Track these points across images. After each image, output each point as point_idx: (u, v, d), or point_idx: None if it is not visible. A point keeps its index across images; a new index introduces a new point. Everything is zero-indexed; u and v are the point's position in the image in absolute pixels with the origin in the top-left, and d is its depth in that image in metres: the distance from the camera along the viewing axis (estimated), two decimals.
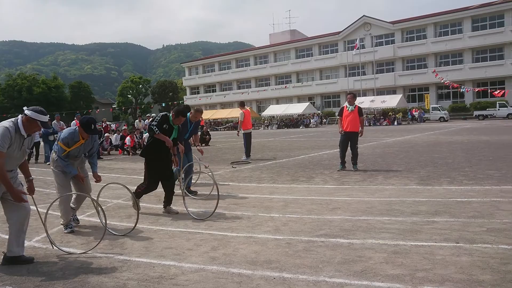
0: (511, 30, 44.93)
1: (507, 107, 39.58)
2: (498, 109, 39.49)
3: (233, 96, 65.01)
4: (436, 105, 44.62)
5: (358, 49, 49.23)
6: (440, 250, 3.88)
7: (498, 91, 28.72)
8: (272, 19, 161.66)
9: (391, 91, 51.46)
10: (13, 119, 4.02)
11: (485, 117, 40.18)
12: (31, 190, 4.24)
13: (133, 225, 4.99)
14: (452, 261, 3.60)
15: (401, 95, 47.23)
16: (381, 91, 51.00)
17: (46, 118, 4.03)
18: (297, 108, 51.43)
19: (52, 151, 5.28)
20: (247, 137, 13.10)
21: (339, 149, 9.86)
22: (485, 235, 4.29)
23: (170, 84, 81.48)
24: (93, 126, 4.94)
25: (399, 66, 52.75)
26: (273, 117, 52.94)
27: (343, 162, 9.65)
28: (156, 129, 5.83)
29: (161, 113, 6.11)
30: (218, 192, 5.61)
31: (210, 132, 25.02)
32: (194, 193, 7.23)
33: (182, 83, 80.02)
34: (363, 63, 52.52)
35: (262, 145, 19.16)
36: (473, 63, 47.45)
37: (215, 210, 5.62)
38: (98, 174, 5.26)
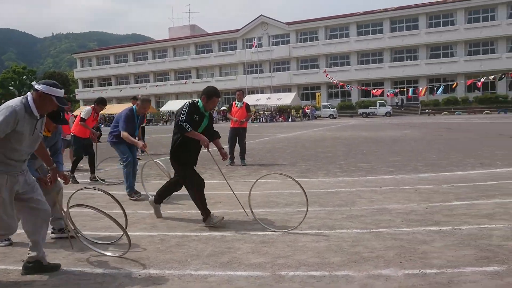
0: (389, 37, 49.99)
1: (385, 106, 44.09)
2: (378, 108, 43.81)
3: (130, 90, 62.42)
4: (326, 103, 47.90)
5: (256, 47, 50.64)
6: (303, 237, 4.19)
7: (376, 90, 32.01)
8: (172, 13, 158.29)
9: (287, 89, 53.96)
10: (20, 97, 3.32)
11: (367, 114, 44.22)
12: (54, 180, 3.70)
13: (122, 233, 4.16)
14: (311, 246, 3.91)
15: (295, 93, 49.77)
16: (277, 89, 53.19)
17: (62, 93, 3.38)
18: None
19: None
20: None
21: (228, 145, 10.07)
22: (344, 221, 4.74)
23: (60, 76, 75.44)
24: (61, 115, 4.14)
25: (294, 66, 55.44)
26: (173, 112, 52.04)
27: (231, 157, 9.87)
28: (188, 125, 4.61)
29: (187, 102, 4.89)
30: (306, 198, 4.65)
31: (101, 128, 23.71)
32: (138, 194, 6.53)
33: (73, 75, 74.58)
34: (261, 62, 54.17)
35: (157, 141, 18.76)
36: (358, 65, 51.84)
37: (304, 217, 4.58)
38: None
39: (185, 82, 59.68)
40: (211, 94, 4.77)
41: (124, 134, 6.37)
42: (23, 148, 3.29)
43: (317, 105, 48.50)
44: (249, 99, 47.38)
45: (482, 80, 20.82)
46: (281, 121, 41.45)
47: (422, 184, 6.73)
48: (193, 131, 4.66)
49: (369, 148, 12.80)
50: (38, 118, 3.32)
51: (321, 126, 28.71)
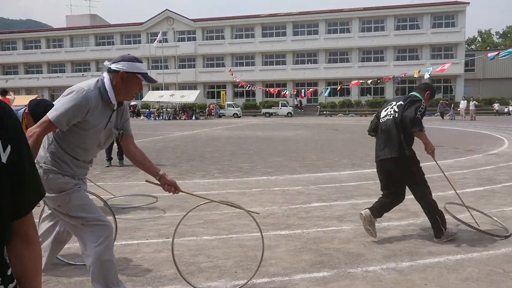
0: (291, 40, 51.94)
1: (287, 106, 45.69)
2: (280, 108, 45.21)
3: (20, 81, 56.85)
4: (231, 102, 48.19)
5: (160, 42, 49.10)
6: (146, 248, 3.89)
7: (274, 89, 33.04)
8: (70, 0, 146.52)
9: (192, 86, 53.24)
10: (94, 80, 2.56)
11: (270, 114, 45.38)
12: (174, 186, 2.75)
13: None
14: (150, 258, 3.63)
15: (200, 90, 49.30)
16: (183, 86, 52.22)
17: (145, 68, 2.60)
18: None
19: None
20: None
21: None
22: (198, 227, 4.53)
23: None
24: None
25: (199, 63, 54.88)
26: None
27: (109, 158, 9.23)
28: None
29: (414, 96, 4.17)
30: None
31: None
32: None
33: None
34: (166, 57, 52.73)
35: None
36: (262, 66, 53.03)
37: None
38: None
39: (83, 75, 55.66)
40: (435, 91, 4.35)
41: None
42: (91, 146, 2.61)
43: (222, 104, 48.55)
44: (152, 95, 45.87)
45: (352, 82, 22.55)
46: (185, 119, 40.69)
47: (292, 186, 6.84)
48: (425, 134, 4.05)
49: (257, 147, 12.94)
50: (115, 108, 2.60)
51: (222, 125, 28.67)
